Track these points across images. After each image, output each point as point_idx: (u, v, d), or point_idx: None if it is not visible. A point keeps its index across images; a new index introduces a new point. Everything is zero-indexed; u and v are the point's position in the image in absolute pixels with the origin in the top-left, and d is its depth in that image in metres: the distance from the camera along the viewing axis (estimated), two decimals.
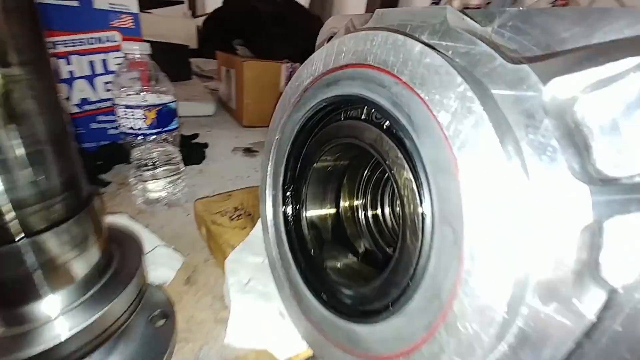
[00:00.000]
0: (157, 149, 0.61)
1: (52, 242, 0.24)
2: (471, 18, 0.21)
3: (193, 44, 1.53)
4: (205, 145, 0.89)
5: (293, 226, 0.33)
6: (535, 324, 0.16)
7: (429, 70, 0.17)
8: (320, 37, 0.35)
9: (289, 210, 0.33)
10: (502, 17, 0.21)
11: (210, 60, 2.02)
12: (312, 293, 0.30)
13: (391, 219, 0.37)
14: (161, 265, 0.42)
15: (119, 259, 0.33)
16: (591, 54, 0.15)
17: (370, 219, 0.36)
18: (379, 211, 0.37)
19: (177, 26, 1.44)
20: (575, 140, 0.16)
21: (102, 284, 0.29)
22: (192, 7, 3.40)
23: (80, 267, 0.27)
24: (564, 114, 0.15)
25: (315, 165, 0.31)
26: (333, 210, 0.35)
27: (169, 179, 0.60)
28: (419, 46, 0.18)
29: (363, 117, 0.26)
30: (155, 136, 0.66)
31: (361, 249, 0.37)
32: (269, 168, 0.35)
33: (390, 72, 0.19)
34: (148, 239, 0.47)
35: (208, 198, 0.57)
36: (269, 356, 0.33)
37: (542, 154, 0.15)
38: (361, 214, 0.36)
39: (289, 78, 1.09)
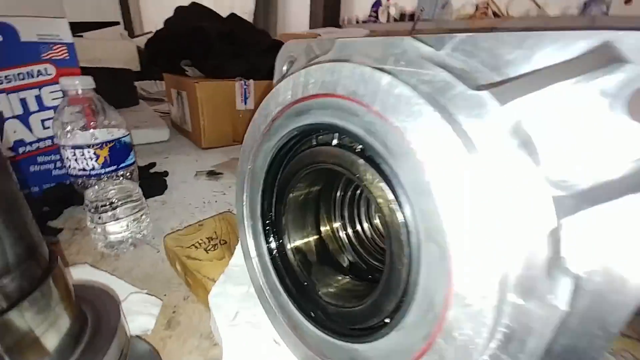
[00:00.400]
0: (113, 187, 0.57)
1: (14, 323, 0.22)
2: (426, 44, 0.22)
3: (135, 66, 1.45)
4: (165, 174, 0.85)
5: (278, 254, 0.33)
6: (520, 320, 0.17)
7: (399, 100, 0.18)
8: (278, 63, 0.36)
9: (272, 239, 0.33)
10: (452, 42, 0.23)
11: (157, 82, 1.94)
12: (307, 318, 0.30)
13: (370, 231, 0.38)
14: (138, 314, 0.40)
15: (94, 319, 0.30)
16: (536, 78, 0.17)
17: (352, 235, 0.37)
18: (358, 227, 0.38)
19: (116, 49, 1.35)
20: (529, 151, 0.18)
21: (81, 352, 0.26)
22: (129, 27, 3.23)
23: (51, 340, 0.25)
24: (518, 130, 0.17)
25: (292, 193, 0.31)
26: (316, 236, 0.35)
27: (131, 217, 0.56)
28: (387, 78, 0.19)
29: (335, 142, 0.27)
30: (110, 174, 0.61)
31: (345, 263, 0.37)
32: (244, 198, 0.34)
33: (361, 102, 0.20)
34: (118, 287, 0.44)
35: (178, 231, 0.55)
36: None
37: (509, 167, 0.17)
38: (342, 233, 0.37)
39: (244, 95, 1.07)
